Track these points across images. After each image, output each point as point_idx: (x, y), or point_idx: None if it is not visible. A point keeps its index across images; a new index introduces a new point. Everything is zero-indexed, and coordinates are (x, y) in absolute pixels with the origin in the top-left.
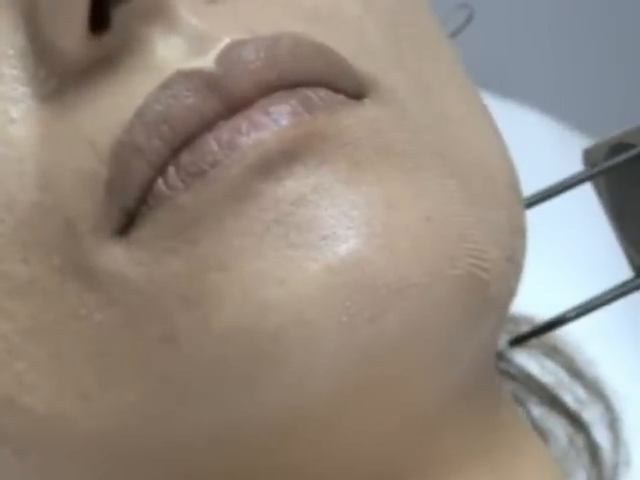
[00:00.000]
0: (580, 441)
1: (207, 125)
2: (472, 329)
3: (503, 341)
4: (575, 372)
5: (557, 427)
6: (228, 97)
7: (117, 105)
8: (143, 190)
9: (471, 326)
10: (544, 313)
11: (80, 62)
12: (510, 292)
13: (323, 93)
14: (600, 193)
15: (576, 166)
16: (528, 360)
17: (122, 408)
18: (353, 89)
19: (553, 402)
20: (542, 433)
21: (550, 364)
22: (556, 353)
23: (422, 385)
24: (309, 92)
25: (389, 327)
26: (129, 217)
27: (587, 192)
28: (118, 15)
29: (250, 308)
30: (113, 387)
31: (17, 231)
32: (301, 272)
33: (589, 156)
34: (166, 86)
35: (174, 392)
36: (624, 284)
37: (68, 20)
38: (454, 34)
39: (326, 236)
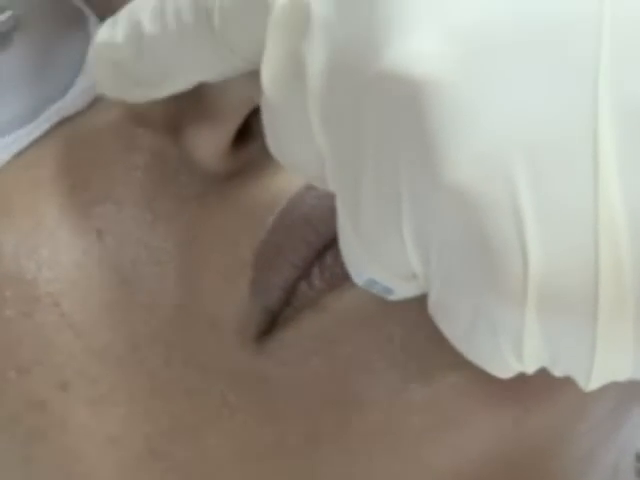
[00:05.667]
0: None
1: None
2: (613, 429)
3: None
4: None
5: None
6: None
7: (260, 205)
8: (287, 291)
9: (612, 426)
10: None
11: (221, 173)
12: None
13: None
14: None
15: None
16: None
17: None
18: None
19: None
20: None
21: None
22: None
23: None
24: None
25: (532, 429)
26: (272, 317)
27: None
28: (259, 131)
29: (395, 410)
30: None
31: (160, 332)
32: None
33: None
34: (311, 187)
35: None
36: None
37: (212, 141)
38: None
39: None
